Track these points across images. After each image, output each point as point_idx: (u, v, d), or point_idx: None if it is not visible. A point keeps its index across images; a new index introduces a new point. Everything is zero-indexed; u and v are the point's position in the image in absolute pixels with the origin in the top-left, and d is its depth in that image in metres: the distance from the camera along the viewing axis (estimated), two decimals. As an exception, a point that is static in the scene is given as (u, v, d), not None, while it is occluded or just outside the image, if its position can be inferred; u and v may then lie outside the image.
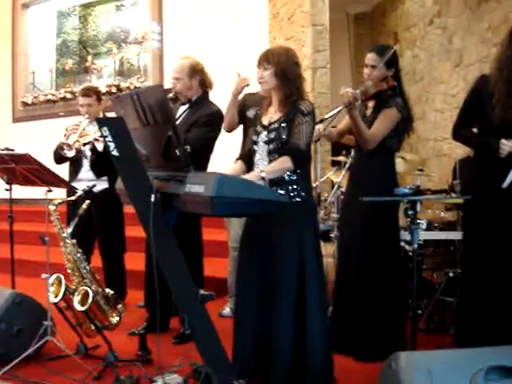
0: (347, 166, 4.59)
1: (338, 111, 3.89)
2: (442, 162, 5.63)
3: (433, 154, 5.85)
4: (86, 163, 4.74)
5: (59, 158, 4.67)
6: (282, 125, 3.08)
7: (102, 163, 4.59)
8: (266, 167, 3.02)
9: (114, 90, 8.37)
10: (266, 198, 2.65)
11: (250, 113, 4.53)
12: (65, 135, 4.64)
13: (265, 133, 3.15)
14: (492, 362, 2.19)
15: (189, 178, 2.64)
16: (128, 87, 8.31)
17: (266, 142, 3.13)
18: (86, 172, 4.74)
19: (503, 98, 3.02)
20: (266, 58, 3.12)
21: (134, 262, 5.04)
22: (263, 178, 2.90)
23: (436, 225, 4.35)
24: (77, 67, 9.13)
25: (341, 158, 4.90)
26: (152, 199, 2.68)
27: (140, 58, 8.53)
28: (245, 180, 2.77)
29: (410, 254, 4.24)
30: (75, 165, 4.78)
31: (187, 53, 4.33)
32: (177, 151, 2.63)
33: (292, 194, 3.06)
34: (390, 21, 6.95)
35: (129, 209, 4.85)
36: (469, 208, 3.37)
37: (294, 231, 3.08)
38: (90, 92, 4.81)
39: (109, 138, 2.72)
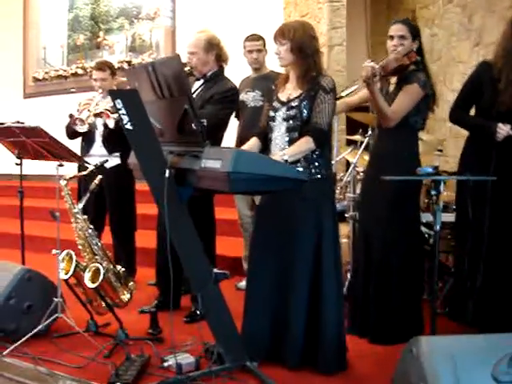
0: (364, 145, 4.51)
1: (356, 88, 3.80)
2: (458, 143, 5.51)
3: (450, 135, 5.72)
4: (98, 139, 4.67)
5: (71, 132, 4.60)
6: (303, 102, 3.01)
7: (114, 139, 4.53)
8: (287, 150, 2.96)
9: (125, 66, 8.27)
10: (285, 175, 2.58)
11: (242, 96, 4.49)
12: (78, 110, 4.58)
13: (283, 109, 3.07)
14: (517, 348, 2.12)
15: (205, 153, 2.58)
16: (140, 63, 8.20)
17: (284, 119, 3.05)
18: (98, 148, 4.66)
19: (510, 85, 3.12)
20: (282, 33, 3.04)
21: (145, 239, 5.00)
22: (286, 161, 2.83)
23: (453, 207, 4.25)
24: (88, 43, 9.02)
25: (357, 137, 4.79)
26: (166, 175, 2.61)
27: (152, 35, 8.43)
28: (263, 156, 2.70)
29: (426, 235, 4.20)
30: (87, 140, 4.71)
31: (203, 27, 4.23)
32: (193, 125, 2.56)
33: (313, 172, 3.00)
34: (408, -2, 6.80)
35: (140, 186, 4.84)
36: (464, 190, 3.38)
37: (312, 209, 3.03)
38: (104, 66, 4.74)
39: (122, 111, 2.65)
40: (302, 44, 2.99)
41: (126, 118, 2.66)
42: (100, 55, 8.83)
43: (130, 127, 2.66)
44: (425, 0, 6.32)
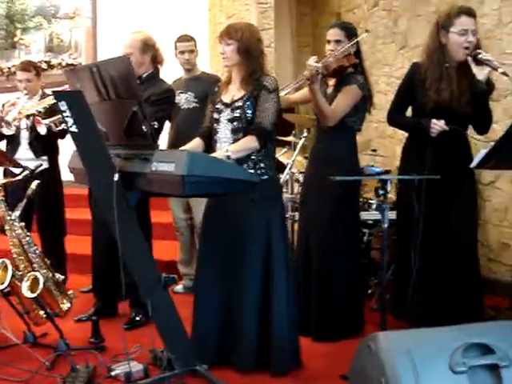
0: (299, 146, 4.56)
1: (289, 91, 3.83)
2: (385, 143, 5.67)
3: (376, 136, 5.87)
4: (24, 142, 4.50)
5: None
6: (247, 102, 3.01)
7: (41, 142, 4.38)
8: (231, 146, 2.94)
9: (44, 66, 7.99)
10: (238, 177, 2.56)
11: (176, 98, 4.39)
12: (1, 111, 4.39)
13: (227, 111, 3.06)
14: (470, 339, 2.19)
15: (155, 156, 2.52)
16: (60, 63, 7.97)
17: (229, 120, 3.04)
18: (24, 151, 4.48)
19: (435, 83, 3.24)
20: (229, 33, 3.02)
21: (76, 245, 4.87)
22: (229, 157, 2.81)
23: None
24: (3, 42, 8.67)
25: (290, 138, 4.84)
26: (115, 179, 2.54)
27: (72, 34, 8.19)
28: (216, 158, 2.67)
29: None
30: (13, 143, 4.52)
31: (138, 28, 4.14)
32: (143, 127, 2.50)
33: (259, 173, 3.00)
34: (333, 1, 6.90)
35: (70, 190, 4.70)
36: (407, 188, 3.43)
37: (261, 210, 3.03)
38: (29, 66, 4.57)
39: (67, 113, 2.56)
40: (248, 45, 2.98)
41: (70, 121, 2.57)
42: (16, 55, 8.51)
43: (76, 130, 2.58)
44: (350, 3, 6.43)
